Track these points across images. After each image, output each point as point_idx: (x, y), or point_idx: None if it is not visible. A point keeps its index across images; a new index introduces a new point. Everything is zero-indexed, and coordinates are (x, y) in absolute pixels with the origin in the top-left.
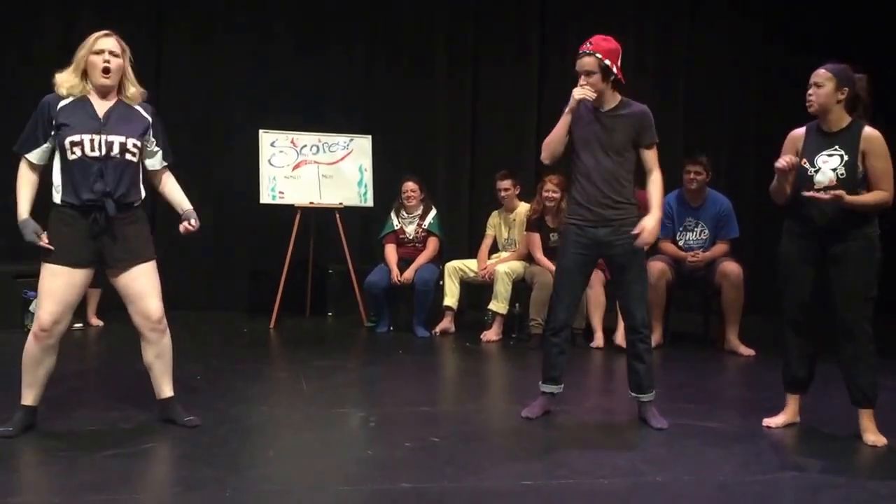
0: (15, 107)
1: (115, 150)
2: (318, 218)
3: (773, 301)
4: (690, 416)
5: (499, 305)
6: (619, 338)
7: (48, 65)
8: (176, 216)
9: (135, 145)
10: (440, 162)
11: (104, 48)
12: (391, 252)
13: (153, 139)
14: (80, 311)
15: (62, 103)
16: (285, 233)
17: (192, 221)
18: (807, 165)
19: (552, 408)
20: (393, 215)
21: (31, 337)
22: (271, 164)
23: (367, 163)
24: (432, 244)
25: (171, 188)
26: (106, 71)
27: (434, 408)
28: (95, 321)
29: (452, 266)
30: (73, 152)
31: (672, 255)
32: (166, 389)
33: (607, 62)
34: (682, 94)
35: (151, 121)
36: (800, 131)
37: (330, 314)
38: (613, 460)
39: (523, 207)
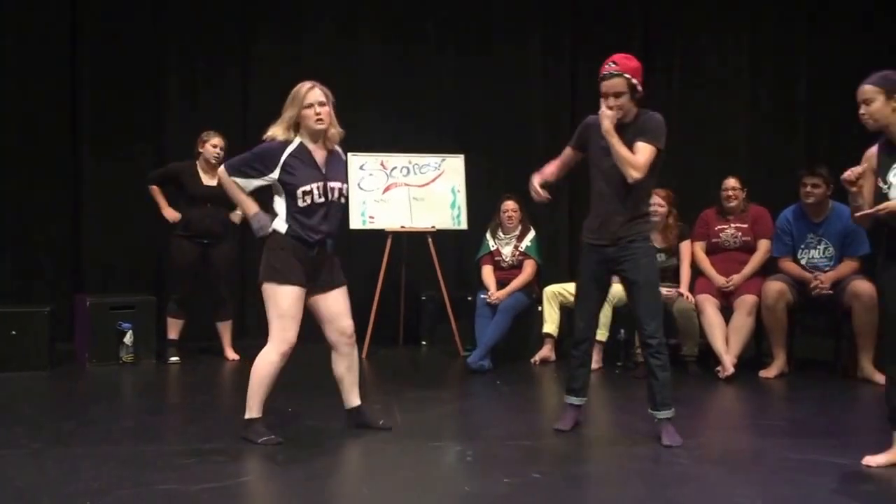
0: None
1: (335, 195)
2: (409, 242)
3: None
4: (820, 452)
5: (598, 332)
6: (728, 364)
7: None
8: None
9: (347, 189)
10: None
11: (313, 101)
12: (488, 274)
13: None
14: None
15: (289, 151)
16: (376, 259)
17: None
18: (881, 184)
19: (581, 418)
20: (489, 236)
21: (276, 357)
22: (361, 188)
23: (461, 183)
24: (529, 267)
25: None
26: (319, 121)
27: (535, 442)
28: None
29: (551, 290)
30: (304, 200)
31: (794, 275)
32: (355, 399)
33: (634, 81)
34: (803, 101)
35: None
36: (874, 149)
37: (424, 343)
38: (732, 499)
39: None
